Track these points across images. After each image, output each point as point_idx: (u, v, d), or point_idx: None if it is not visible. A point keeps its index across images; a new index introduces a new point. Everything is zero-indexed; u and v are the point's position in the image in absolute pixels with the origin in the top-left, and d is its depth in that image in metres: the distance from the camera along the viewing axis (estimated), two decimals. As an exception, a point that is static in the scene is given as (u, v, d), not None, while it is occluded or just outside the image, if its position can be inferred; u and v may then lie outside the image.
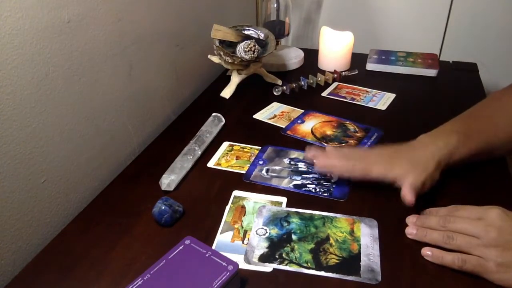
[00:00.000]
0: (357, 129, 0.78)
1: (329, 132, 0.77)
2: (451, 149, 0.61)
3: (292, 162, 0.69)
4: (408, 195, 0.57)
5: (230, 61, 0.88)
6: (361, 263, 0.51)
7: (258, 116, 0.85)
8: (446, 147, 0.61)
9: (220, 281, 0.44)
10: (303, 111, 0.86)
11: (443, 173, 0.61)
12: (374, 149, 0.68)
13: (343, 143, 0.74)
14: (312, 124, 0.81)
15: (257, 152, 0.73)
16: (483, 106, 0.69)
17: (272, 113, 0.86)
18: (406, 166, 0.59)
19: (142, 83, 0.76)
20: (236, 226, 0.57)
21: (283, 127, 0.80)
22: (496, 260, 0.47)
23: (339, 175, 0.65)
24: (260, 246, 0.54)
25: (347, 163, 0.62)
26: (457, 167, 0.62)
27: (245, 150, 0.74)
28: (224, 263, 0.46)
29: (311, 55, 1.11)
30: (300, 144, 0.74)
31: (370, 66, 1.05)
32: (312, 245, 0.53)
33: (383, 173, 0.60)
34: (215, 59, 0.92)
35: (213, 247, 0.54)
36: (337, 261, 0.51)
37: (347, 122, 0.81)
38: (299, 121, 0.82)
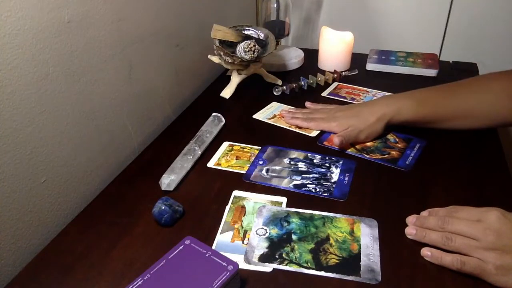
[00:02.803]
0: (397, 139, 0.74)
1: (368, 143, 0.74)
2: (397, 109, 0.72)
3: (292, 162, 0.69)
4: (335, 138, 0.70)
5: (230, 61, 0.88)
6: (361, 263, 0.51)
7: (258, 116, 0.85)
8: (394, 106, 0.72)
9: (220, 281, 0.44)
10: None
11: (445, 173, 0.62)
12: (344, 107, 0.80)
13: (385, 154, 0.71)
14: None
15: (257, 152, 0.73)
16: (458, 83, 0.75)
17: (271, 113, 0.86)
18: (350, 119, 0.74)
19: (142, 83, 0.76)
20: (236, 226, 0.57)
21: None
22: (495, 262, 0.47)
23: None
24: (260, 246, 0.54)
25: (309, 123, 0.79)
26: (402, 125, 0.74)
27: (245, 150, 0.74)
28: (224, 263, 0.46)
29: (311, 55, 1.11)
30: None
31: (370, 66, 1.05)
32: (312, 245, 0.53)
33: (326, 127, 0.77)
34: (215, 59, 0.92)
35: (213, 247, 0.54)
36: (337, 261, 0.51)
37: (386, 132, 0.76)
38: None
